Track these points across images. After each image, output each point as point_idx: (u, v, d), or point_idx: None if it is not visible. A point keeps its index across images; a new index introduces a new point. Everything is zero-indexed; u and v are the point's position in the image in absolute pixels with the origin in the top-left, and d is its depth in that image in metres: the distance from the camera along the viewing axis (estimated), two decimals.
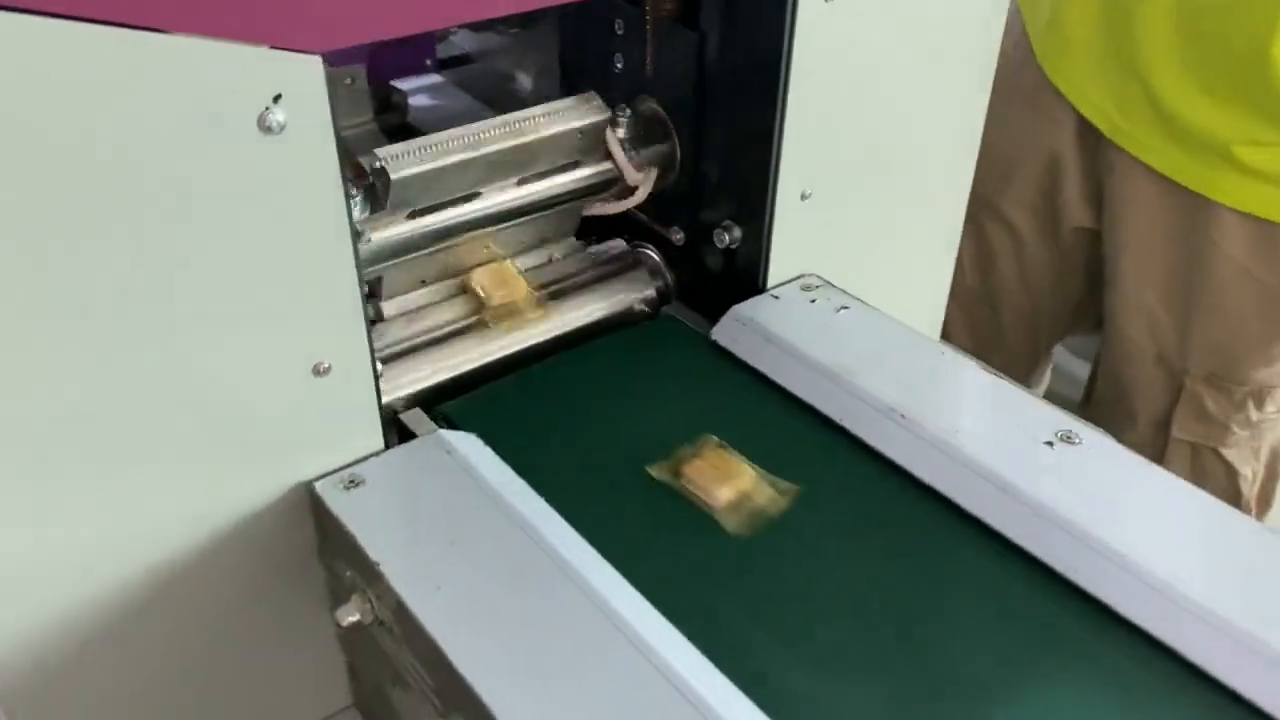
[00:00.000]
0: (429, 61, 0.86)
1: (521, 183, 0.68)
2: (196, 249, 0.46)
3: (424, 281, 0.69)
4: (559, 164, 0.69)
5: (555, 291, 0.72)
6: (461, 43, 0.95)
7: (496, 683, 0.45)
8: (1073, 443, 0.58)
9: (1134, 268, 0.97)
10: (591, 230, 0.77)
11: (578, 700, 0.44)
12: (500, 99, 0.93)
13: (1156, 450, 1.02)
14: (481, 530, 0.52)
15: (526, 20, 0.84)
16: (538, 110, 0.67)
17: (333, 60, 0.79)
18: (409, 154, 0.62)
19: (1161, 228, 0.94)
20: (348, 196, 0.49)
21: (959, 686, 0.48)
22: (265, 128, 0.45)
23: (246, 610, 0.57)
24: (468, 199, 0.66)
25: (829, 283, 0.71)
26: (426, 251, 0.66)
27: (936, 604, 0.52)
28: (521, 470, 0.56)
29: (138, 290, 0.45)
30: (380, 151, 0.61)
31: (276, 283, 0.49)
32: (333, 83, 0.80)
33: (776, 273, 0.70)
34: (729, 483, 0.57)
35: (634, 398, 0.65)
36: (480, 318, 0.68)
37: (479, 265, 0.70)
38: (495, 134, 0.65)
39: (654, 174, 0.71)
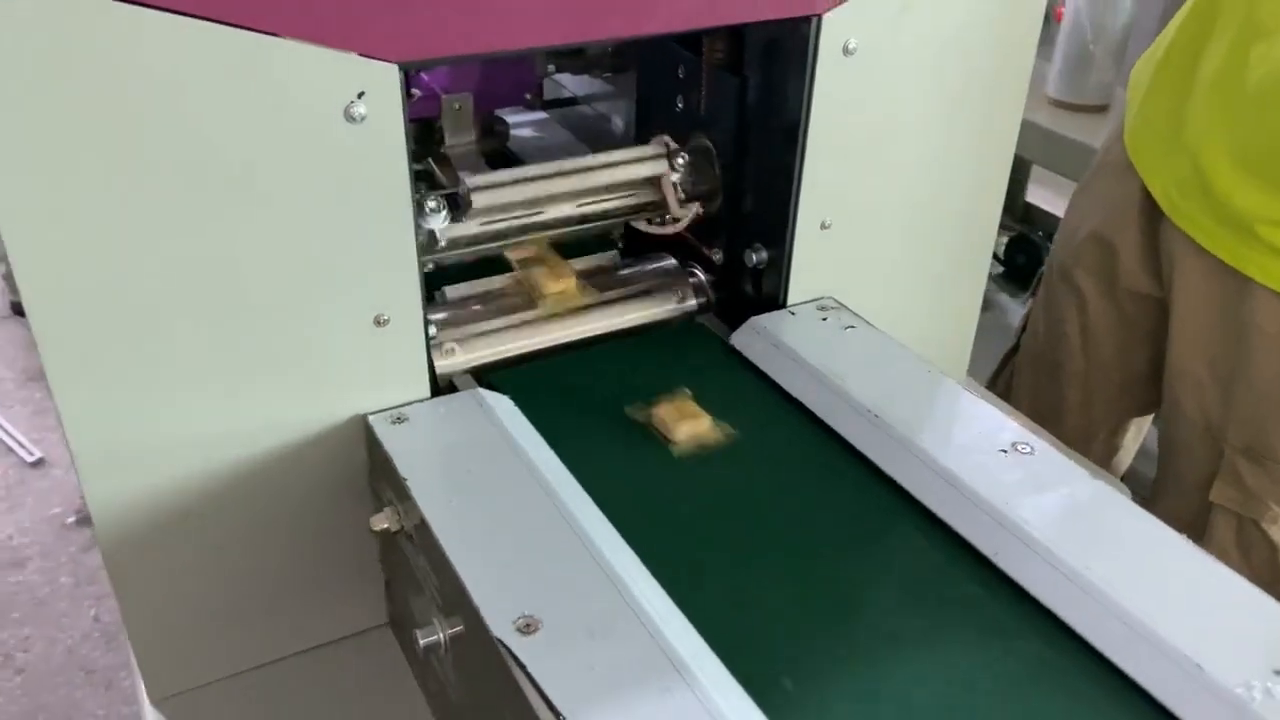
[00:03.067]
0: (527, 96, 0.99)
1: (581, 204, 0.79)
2: (290, 212, 0.59)
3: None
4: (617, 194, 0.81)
5: (612, 299, 0.82)
6: (567, 84, 1.08)
7: (483, 578, 0.55)
8: (1023, 452, 0.65)
9: (1184, 338, 1.02)
10: (648, 248, 0.88)
11: (544, 595, 0.54)
12: (594, 135, 1.06)
13: (1202, 518, 1.04)
14: (495, 465, 0.63)
15: (616, 66, 0.97)
16: (614, 156, 0.79)
17: (445, 88, 0.93)
18: (494, 184, 0.74)
19: (1207, 301, 0.99)
20: (412, 179, 0.61)
21: (864, 625, 0.56)
22: (350, 117, 0.58)
23: (311, 513, 0.69)
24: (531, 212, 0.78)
25: (844, 306, 0.79)
26: (487, 248, 0.78)
27: (865, 562, 0.60)
28: (540, 426, 0.67)
29: (245, 246, 0.58)
30: (470, 180, 0.74)
31: (351, 243, 0.61)
32: (445, 106, 0.94)
33: (797, 293, 0.79)
34: (687, 422, 0.69)
35: (652, 383, 0.75)
36: (537, 308, 0.79)
37: (533, 262, 0.81)
38: (570, 176, 0.77)
39: (695, 209, 0.82)
